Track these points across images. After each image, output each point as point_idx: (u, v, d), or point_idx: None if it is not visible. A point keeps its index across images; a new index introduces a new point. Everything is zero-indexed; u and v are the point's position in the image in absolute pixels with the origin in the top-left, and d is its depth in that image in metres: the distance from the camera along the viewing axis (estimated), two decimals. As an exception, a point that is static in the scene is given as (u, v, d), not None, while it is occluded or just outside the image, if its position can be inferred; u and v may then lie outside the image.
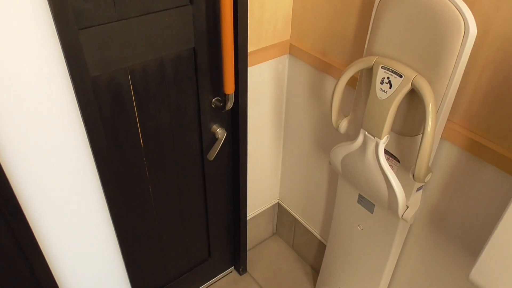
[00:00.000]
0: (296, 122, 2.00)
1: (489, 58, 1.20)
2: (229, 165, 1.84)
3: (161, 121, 1.50)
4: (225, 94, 1.51)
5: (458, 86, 1.23)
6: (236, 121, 1.68)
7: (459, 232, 1.47)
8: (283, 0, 1.65)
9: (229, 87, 1.48)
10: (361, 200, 1.62)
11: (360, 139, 1.42)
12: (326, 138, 1.87)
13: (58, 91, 1.15)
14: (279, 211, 2.37)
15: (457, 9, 1.11)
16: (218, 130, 1.65)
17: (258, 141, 2.04)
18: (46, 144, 1.21)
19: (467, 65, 1.24)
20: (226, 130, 1.69)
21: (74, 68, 1.16)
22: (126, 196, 1.57)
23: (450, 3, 1.12)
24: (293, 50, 1.78)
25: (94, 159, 1.33)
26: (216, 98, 1.59)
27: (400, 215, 1.44)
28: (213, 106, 1.60)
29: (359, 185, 1.54)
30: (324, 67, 1.70)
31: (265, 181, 2.22)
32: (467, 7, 1.11)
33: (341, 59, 1.62)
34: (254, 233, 2.37)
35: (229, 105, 1.54)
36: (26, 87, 1.09)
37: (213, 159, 1.71)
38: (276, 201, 2.35)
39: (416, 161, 1.26)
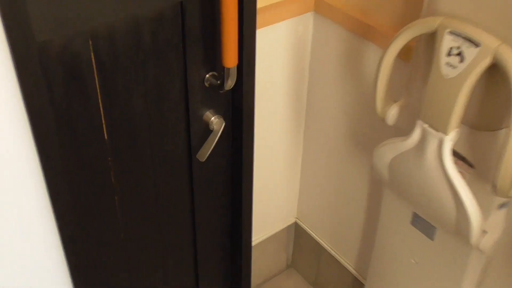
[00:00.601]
0: (323, 109, 2.05)
1: None
2: (227, 168, 1.86)
3: (133, 106, 1.52)
4: (223, 68, 1.51)
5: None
6: (239, 106, 1.70)
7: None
8: None
9: (230, 57, 1.48)
10: (417, 221, 1.65)
11: (416, 134, 1.45)
12: (367, 132, 1.93)
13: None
14: (297, 235, 2.44)
15: None
16: (213, 119, 1.67)
17: (268, 135, 2.09)
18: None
19: None
20: (225, 119, 1.70)
21: (14, 30, 1.11)
22: (82, 211, 1.58)
23: None
24: (320, 6, 1.81)
25: (39, 159, 1.33)
26: (211, 74, 1.60)
27: (473, 243, 1.45)
28: (206, 85, 1.62)
29: (414, 200, 1.57)
30: (364, 31, 1.72)
31: (278, 191, 2.28)
32: None
33: (390, 20, 1.67)
34: (261, 265, 2.40)
35: (230, 83, 1.55)
36: None
37: (206, 159, 1.71)
38: (293, 221, 2.42)
39: (499, 166, 1.27)
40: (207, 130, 1.71)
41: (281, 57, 1.90)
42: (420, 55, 1.47)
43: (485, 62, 1.25)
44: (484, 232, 1.46)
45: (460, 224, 1.45)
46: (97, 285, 1.75)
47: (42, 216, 1.44)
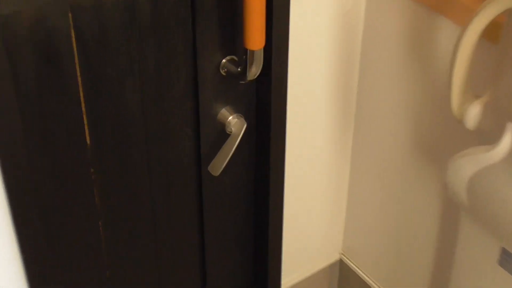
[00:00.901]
0: (379, 108, 2.08)
1: None
2: (249, 186, 1.88)
3: (125, 101, 1.53)
4: (246, 50, 1.52)
5: None
6: (266, 102, 1.72)
7: None
8: None
9: (256, 37, 1.49)
10: (507, 259, 1.64)
11: (507, 141, 1.47)
12: (438, 139, 1.95)
13: None
14: (342, 275, 2.48)
15: None
16: (230, 119, 1.70)
17: (304, 142, 2.12)
18: None
19: None
20: (246, 120, 1.72)
21: None
22: (56, 241, 1.59)
23: None
24: None
25: (0, 172, 1.36)
26: (229, 59, 1.63)
27: None
28: (222, 73, 1.64)
29: (503, 231, 1.57)
30: (437, 2, 1.72)
31: (318, 219, 2.31)
32: None
33: None
34: None
35: (254, 70, 1.56)
36: None
37: (220, 174, 1.72)
38: (337, 257, 2.46)
39: None
40: (223, 134, 1.71)
41: (324, 37, 1.91)
42: (511, 35, 1.46)
43: None
44: None
45: None
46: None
47: (2, 249, 1.48)
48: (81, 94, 1.46)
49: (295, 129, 2.03)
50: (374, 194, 2.24)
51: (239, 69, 1.61)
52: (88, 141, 1.53)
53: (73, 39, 1.38)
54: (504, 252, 1.65)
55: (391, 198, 2.18)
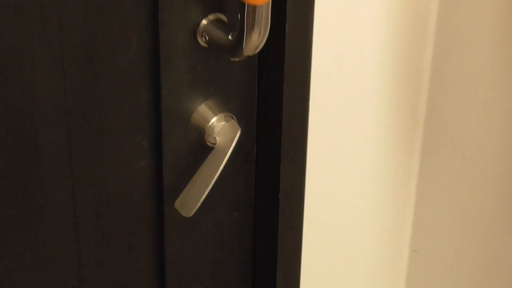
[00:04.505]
0: (460, 116, 1.98)
1: None
2: (244, 236, 1.74)
3: (35, 86, 1.36)
4: (242, 4, 1.33)
5: None
6: (275, 95, 1.55)
7: None
8: None
9: None
10: None
11: None
12: None
13: None
14: None
15: None
16: (214, 121, 1.49)
17: (339, 165, 1.98)
18: None
19: None
20: (241, 123, 1.52)
21: None
22: None
23: None
24: None
25: None
26: (211, 18, 1.43)
27: None
28: (202, 42, 1.42)
29: None
30: None
31: (363, 281, 2.23)
32: None
33: None
34: None
35: (255, 41, 1.36)
36: None
37: (195, 214, 1.52)
38: None
39: None
40: (201, 147, 1.52)
41: (373, 10, 1.79)
42: None
43: None
44: None
45: None
46: None
47: None
48: None
49: (324, 145, 1.91)
50: (451, 246, 2.19)
51: (229, 37, 1.42)
52: None
53: None
54: None
55: (478, 253, 2.14)
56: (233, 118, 1.57)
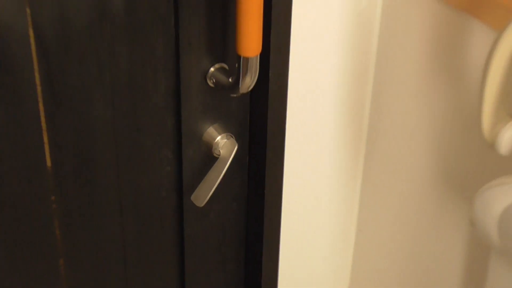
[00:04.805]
0: (395, 128, 2.05)
1: None
2: (239, 220, 1.81)
3: (93, 116, 1.43)
4: (239, 57, 1.42)
5: None
6: (262, 120, 1.64)
7: None
8: None
9: (251, 41, 1.40)
10: None
11: None
12: (464, 166, 1.92)
13: None
14: None
15: None
16: (219, 139, 1.60)
17: (305, 169, 2.08)
18: None
19: None
20: (238, 140, 1.63)
21: None
22: (9, 282, 1.52)
23: None
24: None
25: None
26: (218, 67, 1.53)
27: None
28: (210, 83, 1.54)
29: None
30: (467, 3, 1.70)
31: (320, 256, 2.30)
32: None
33: None
34: None
35: (248, 82, 1.46)
36: None
37: (205, 204, 1.63)
38: None
39: None
40: (210, 157, 1.64)
41: (332, 42, 1.87)
42: None
43: None
44: None
45: None
46: None
47: None
48: (41, 108, 1.39)
49: (296, 154, 2.01)
50: (386, 229, 2.22)
51: (230, 80, 1.53)
52: (49, 164, 1.46)
53: (32, 40, 1.32)
54: None
55: (407, 235, 2.17)
56: (232, 137, 1.67)
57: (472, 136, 1.85)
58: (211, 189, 1.64)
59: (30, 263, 1.56)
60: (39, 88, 1.38)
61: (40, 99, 1.39)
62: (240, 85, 1.51)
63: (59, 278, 1.61)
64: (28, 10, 1.30)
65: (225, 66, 1.57)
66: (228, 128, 1.67)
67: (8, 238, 1.51)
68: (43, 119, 1.41)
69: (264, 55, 1.56)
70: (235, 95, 1.64)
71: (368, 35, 1.97)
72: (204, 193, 1.65)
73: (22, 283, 1.57)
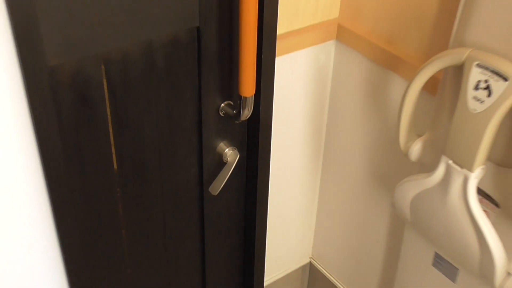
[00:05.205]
0: (343, 143, 2.06)
1: None
2: (240, 203, 1.86)
3: (144, 135, 1.53)
4: (240, 97, 1.52)
5: None
6: (255, 138, 1.70)
7: None
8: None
9: (248, 86, 1.49)
10: (439, 262, 1.64)
11: (440, 170, 1.45)
12: (389, 168, 1.93)
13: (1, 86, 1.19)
14: (312, 276, 2.42)
15: None
16: (227, 150, 1.68)
17: (284, 169, 2.10)
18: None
19: None
20: (239, 151, 1.71)
21: (26, 53, 1.16)
22: (88, 244, 1.58)
23: None
24: (342, 34, 1.83)
25: (47, 189, 1.35)
26: (226, 103, 1.62)
27: (498, 286, 1.45)
28: (221, 114, 1.62)
29: (436, 240, 1.57)
30: (389, 61, 1.73)
31: (292, 230, 2.30)
32: None
33: (415, 51, 1.66)
34: None
35: (246, 113, 1.55)
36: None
37: (218, 193, 1.71)
38: (308, 261, 2.41)
39: None
40: (221, 162, 1.70)
41: (300, 87, 1.91)
42: (446, 88, 1.47)
43: (514, 97, 1.30)
44: (509, 274, 1.46)
45: (483, 266, 1.44)
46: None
47: (47, 250, 1.46)
48: (110, 129, 1.45)
49: (277, 159, 2.02)
50: (337, 210, 2.22)
51: (234, 111, 1.60)
52: (116, 167, 1.52)
53: (105, 86, 1.39)
54: (436, 256, 1.65)
55: (351, 214, 2.17)
56: (235, 149, 1.70)
57: (393, 148, 1.88)
58: (222, 183, 1.68)
59: (103, 231, 1.61)
60: (109, 117, 1.43)
61: (110, 124, 1.45)
62: (241, 115, 1.56)
63: (121, 243, 1.66)
64: (103, 67, 1.36)
65: (231, 102, 1.63)
66: (233, 143, 1.72)
67: (91, 215, 1.55)
68: (111, 137, 1.47)
69: (257, 96, 1.60)
70: (237, 122, 1.68)
71: (324, 83, 1.98)
72: (217, 186, 1.69)
73: (98, 245, 1.61)
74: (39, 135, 1.27)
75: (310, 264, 2.40)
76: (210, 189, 1.71)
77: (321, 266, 2.37)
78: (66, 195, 1.41)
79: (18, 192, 1.32)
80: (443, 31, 1.57)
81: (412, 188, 1.56)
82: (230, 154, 1.69)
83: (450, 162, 1.41)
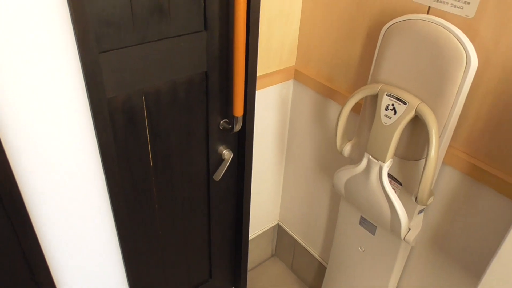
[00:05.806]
0: (299, 145, 2.00)
1: (489, 88, 1.22)
2: (233, 185, 1.83)
3: (170, 142, 1.49)
4: (233, 116, 1.51)
5: (459, 113, 1.25)
6: (243, 142, 1.67)
7: (461, 254, 1.46)
8: (290, 28, 1.66)
9: (239, 109, 1.48)
10: (363, 222, 1.62)
11: (364, 162, 1.43)
12: (330, 161, 1.87)
13: (75, 111, 1.16)
14: (279, 233, 2.36)
15: (460, 43, 1.16)
16: (224, 151, 1.64)
17: (261, 163, 2.04)
18: (62, 164, 1.22)
19: (468, 94, 1.26)
20: (233, 152, 1.68)
21: (93, 89, 1.17)
22: (134, 215, 1.54)
23: (453, 37, 1.16)
24: (298, 76, 1.78)
25: (105, 179, 1.33)
26: (224, 120, 1.59)
27: (402, 237, 1.45)
28: (221, 128, 1.60)
29: (361, 208, 1.54)
30: (328, 93, 1.69)
31: (267, 202, 2.21)
32: (469, 41, 1.16)
33: (346, 86, 1.62)
34: (254, 254, 2.36)
35: (238, 127, 1.54)
36: (48, 107, 1.12)
37: (219, 179, 1.70)
38: (276, 223, 2.34)
39: (420, 184, 1.28)
40: (221, 159, 1.67)
41: (271, 110, 1.87)
42: (366, 110, 1.45)
43: (411, 115, 1.26)
44: (409, 229, 1.46)
45: (393, 224, 1.44)
46: (140, 267, 1.71)
47: (106, 222, 1.43)
48: (148, 139, 1.42)
49: (257, 156, 1.96)
50: (296, 187, 2.09)
51: (229, 126, 1.57)
52: (151, 163, 1.48)
53: (145, 110, 1.36)
54: (362, 218, 1.62)
55: (306, 190, 2.04)
56: (230, 150, 1.67)
57: (332, 148, 1.83)
58: (222, 172, 1.66)
59: (142, 206, 1.57)
60: (147, 128, 1.40)
61: (147, 134, 1.41)
62: (234, 129, 1.54)
63: (155, 214, 1.62)
64: (143, 97, 1.34)
65: (227, 120, 1.59)
66: (229, 147, 1.68)
67: (134, 195, 1.51)
68: (149, 144, 1.43)
69: (244, 116, 1.59)
70: (232, 133, 1.65)
71: (286, 108, 1.92)
72: (218, 174, 1.66)
73: (139, 214, 1.57)
74: (100, 144, 1.26)
75: (278, 225, 2.33)
76: (214, 176, 1.68)
77: (286, 226, 2.31)
78: (118, 183, 1.38)
79: (88, 181, 1.30)
80: (363, 72, 1.55)
81: (345, 174, 1.53)
82: (227, 154, 1.66)
83: (370, 157, 1.39)
